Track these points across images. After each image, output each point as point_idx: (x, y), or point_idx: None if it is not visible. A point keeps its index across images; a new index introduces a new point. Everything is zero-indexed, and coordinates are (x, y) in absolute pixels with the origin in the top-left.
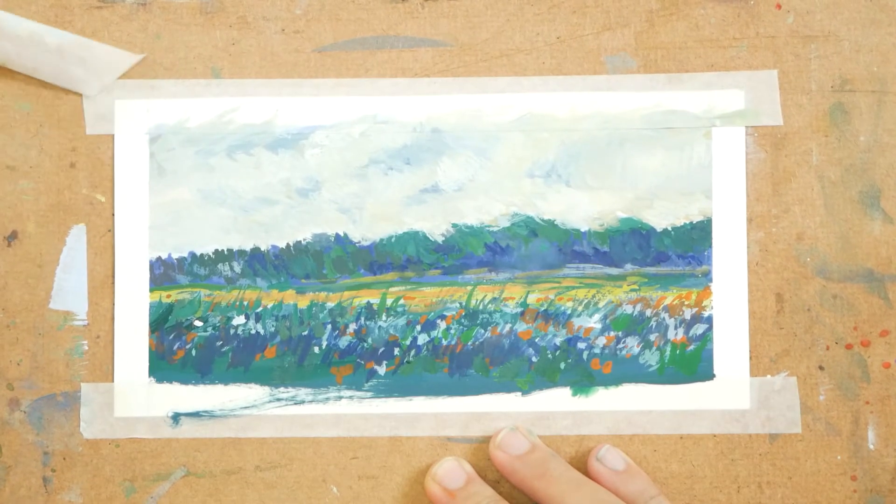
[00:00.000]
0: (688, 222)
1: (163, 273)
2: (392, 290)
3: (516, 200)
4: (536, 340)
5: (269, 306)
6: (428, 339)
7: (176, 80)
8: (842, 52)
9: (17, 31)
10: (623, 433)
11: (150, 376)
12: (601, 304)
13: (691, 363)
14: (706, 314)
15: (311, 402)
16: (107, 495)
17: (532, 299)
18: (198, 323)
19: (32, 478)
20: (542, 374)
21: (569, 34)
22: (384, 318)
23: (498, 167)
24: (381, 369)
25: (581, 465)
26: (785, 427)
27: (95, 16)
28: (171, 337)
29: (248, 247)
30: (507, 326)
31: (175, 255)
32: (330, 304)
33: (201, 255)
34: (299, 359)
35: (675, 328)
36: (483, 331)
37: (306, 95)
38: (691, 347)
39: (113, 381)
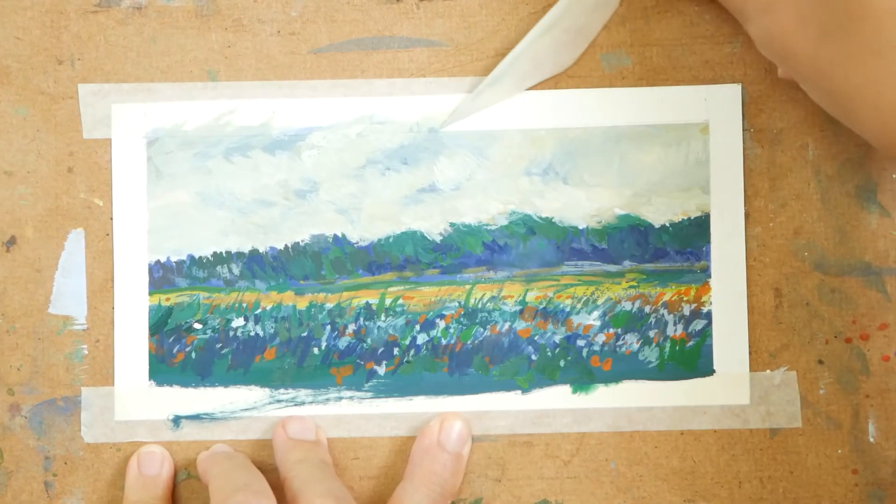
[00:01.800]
0: (686, 218)
1: (162, 276)
2: (391, 290)
3: (514, 199)
4: (536, 338)
5: (268, 308)
6: (427, 338)
7: (172, 84)
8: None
9: None
10: (623, 430)
11: (150, 379)
12: (600, 302)
13: (691, 359)
14: (705, 310)
15: (311, 403)
16: (108, 499)
17: (531, 297)
18: (197, 325)
19: (34, 483)
20: (542, 372)
21: None
22: (383, 318)
23: (495, 166)
24: (381, 369)
25: (582, 463)
26: (785, 422)
27: (91, 20)
28: (170, 340)
29: (246, 249)
30: (507, 325)
31: (174, 258)
32: (329, 305)
33: (200, 257)
34: (299, 360)
35: (675, 324)
36: (482, 329)
37: (302, 97)
38: (691, 343)
39: (113, 384)
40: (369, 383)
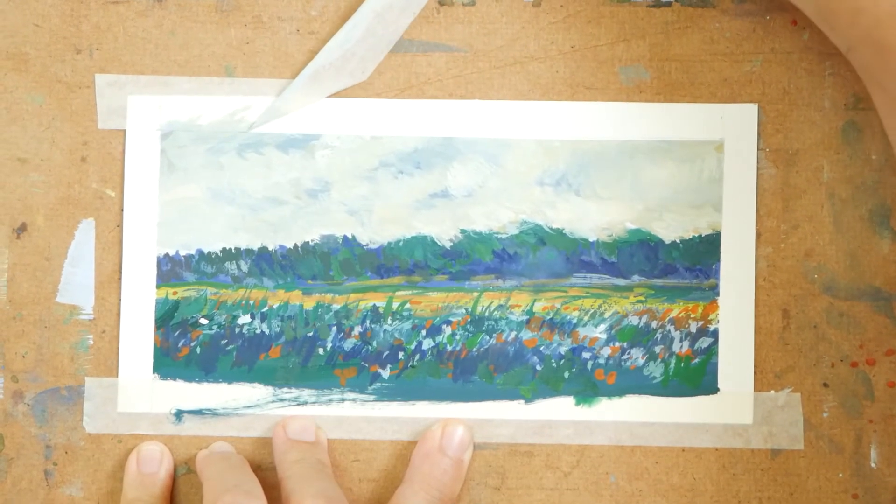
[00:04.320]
0: (696, 235)
1: (170, 270)
2: (398, 293)
3: (525, 208)
4: (541, 349)
5: (274, 306)
6: (433, 344)
7: (189, 78)
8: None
9: None
10: (625, 444)
11: (154, 373)
12: (607, 315)
13: (695, 376)
14: (712, 328)
15: (313, 403)
16: (107, 490)
17: (538, 307)
18: (203, 321)
19: (34, 471)
20: (546, 383)
21: (583, 44)
22: (390, 321)
23: (508, 174)
24: (385, 373)
25: (582, 475)
26: (787, 443)
27: (111, 11)
28: (176, 334)
29: (255, 246)
30: (513, 334)
31: (183, 253)
32: (336, 306)
33: (209, 252)
34: (303, 360)
35: (681, 341)
36: (488, 337)
37: (318, 96)
38: (696, 361)
39: (117, 376)
40: (373, 386)
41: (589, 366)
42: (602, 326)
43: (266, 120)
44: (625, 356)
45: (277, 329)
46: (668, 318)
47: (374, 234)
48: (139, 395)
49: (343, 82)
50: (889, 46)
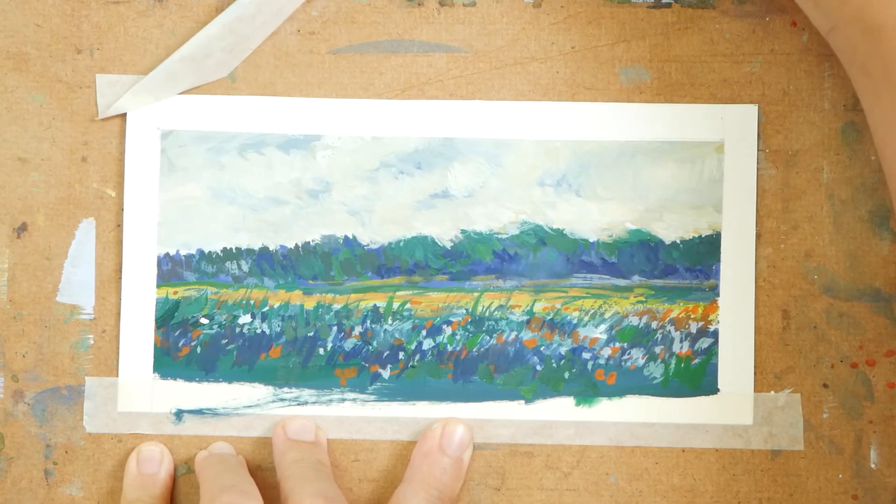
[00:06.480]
0: (697, 236)
1: (170, 269)
2: (399, 294)
3: (526, 208)
4: (541, 349)
5: (275, 306)
6: (433, 344)
7: None
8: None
9: None
10: (625, 444)
11: (154, 372)
12: (607, 315)
13: (695, 377)
14: (712, 328)
15: (314, 403)
16: (107, 489)
17: (538, 308)
18: (204, 320)
19: (34, 470)
20: (546, 383)
21: (584, 44)
22: (390, 321)
23: (509, 174)
24: (386, 373)
25: (582, 476)
26: (787, 444)
27: (112, 11)
28: (176, 333)
29: (256, 246)
30: (513, 334)
31: (183, 252)
32: (336, 306)
33: (209, 252)
34: (304, 360)
35: (681, 341)
36: (488, 338)
37: (319, 96)
38: (696, 361)
39: (117, 375)
40: (373, 386)
41: (589, 366)
42: (602, 327)
43: (115, 112)
44: (625, 356)
45: (278, 329)
46: (668, 319)
47: (375, 234)
48: (139, 395)
49: (201, 78)
50: (877, 27)
